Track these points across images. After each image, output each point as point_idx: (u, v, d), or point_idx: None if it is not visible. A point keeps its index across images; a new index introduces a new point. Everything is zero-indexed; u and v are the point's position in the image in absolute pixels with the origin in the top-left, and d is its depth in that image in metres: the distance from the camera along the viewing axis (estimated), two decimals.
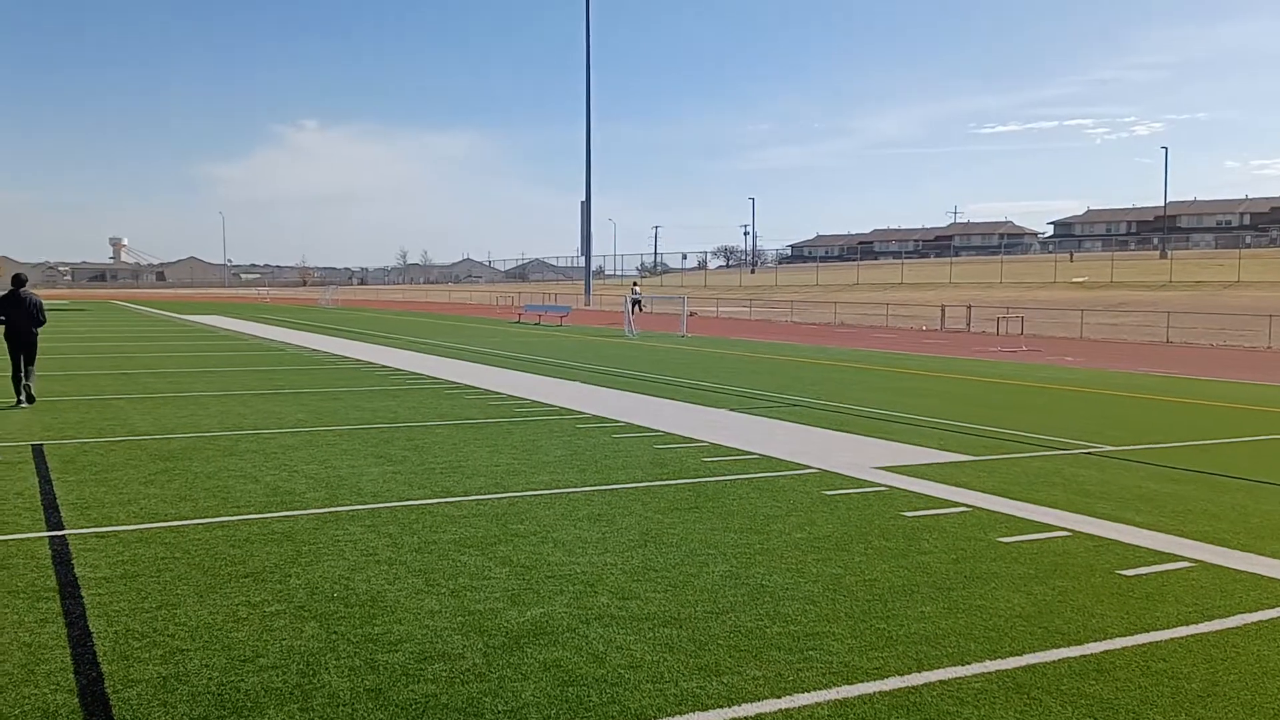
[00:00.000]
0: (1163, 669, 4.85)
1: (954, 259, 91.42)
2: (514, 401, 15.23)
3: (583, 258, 79.53)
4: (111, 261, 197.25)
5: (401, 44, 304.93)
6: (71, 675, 4.57)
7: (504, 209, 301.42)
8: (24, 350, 14.34)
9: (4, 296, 14.51)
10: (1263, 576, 6.41)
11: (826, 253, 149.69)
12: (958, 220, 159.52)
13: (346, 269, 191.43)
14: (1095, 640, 5.23)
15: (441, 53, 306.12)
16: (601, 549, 6.85)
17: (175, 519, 7.58)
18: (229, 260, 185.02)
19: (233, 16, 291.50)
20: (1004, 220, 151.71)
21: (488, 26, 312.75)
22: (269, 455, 10.35)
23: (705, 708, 4.35)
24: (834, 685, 4.59)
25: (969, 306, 43.35)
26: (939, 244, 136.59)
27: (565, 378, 19.23)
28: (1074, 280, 62.85)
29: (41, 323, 14.62)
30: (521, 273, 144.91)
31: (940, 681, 4.65)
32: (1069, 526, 7.67)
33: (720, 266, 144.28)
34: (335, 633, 5.18)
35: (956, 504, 8.39)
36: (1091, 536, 7.38)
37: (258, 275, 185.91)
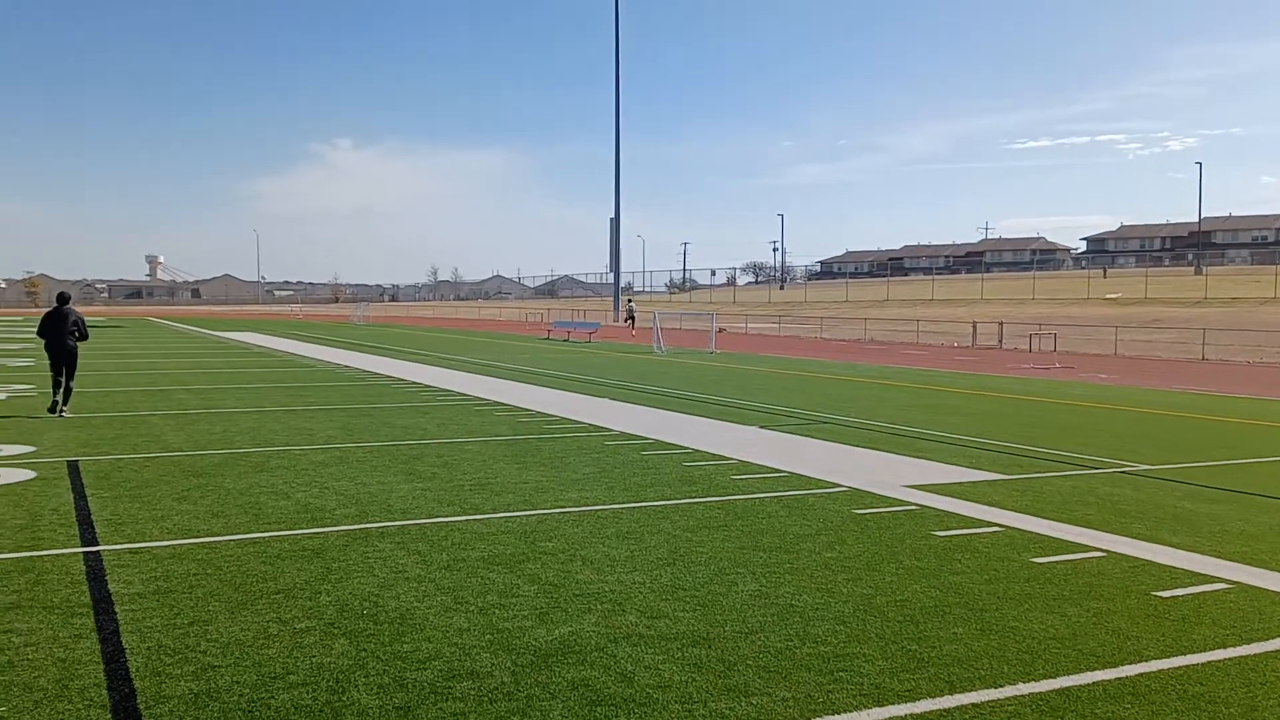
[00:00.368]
0: (1199, 692, 4.77)
1: (985, 275, 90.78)
2: (543, 418, 15.26)
3: (612, 274, 79.75)
4: (148, 279, 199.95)
5: (433, 63, 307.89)
6: (105, 691, 4.61)
7: (534, 226, 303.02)
8: (64, 362, 15.12)
9: (48, 313, 15.48)
10: None
11: (856, 269, 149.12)
12: (989, 236, 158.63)
13: (378, 286, 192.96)
14: (1130, 663, 5.15)
15: (472, 72, 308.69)
16: (630, 567, 6.84)
17: (207, 535, 7.65)
18: (263, 277, 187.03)
19: (271, 39, 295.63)
20: (1036, 236, 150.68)
21: (518, 46, 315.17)
22: (300, 472, 10.43)
23: None
24: (865, 707, 4.54)
25: (1001, 323, 43.02)
26: (970, 260, 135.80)
27: (594, 394, 19.25)
28: (1107, 297, 62.23)
29: (83, 337, 15.40)
30: (551, 289, 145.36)
31: (973, 704, 4.59)
32: (1103, 547, 7.57)
33: (749, 283, 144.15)
34: (365, 650, 5.20)
35: (989, 523, 8.31)
36: (1126, 557, 7.28)
37: (291, 292, 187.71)
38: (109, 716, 4.34)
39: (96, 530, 7.77)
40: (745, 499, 9.24)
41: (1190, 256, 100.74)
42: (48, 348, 15.20)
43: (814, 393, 20.17)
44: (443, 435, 13.33)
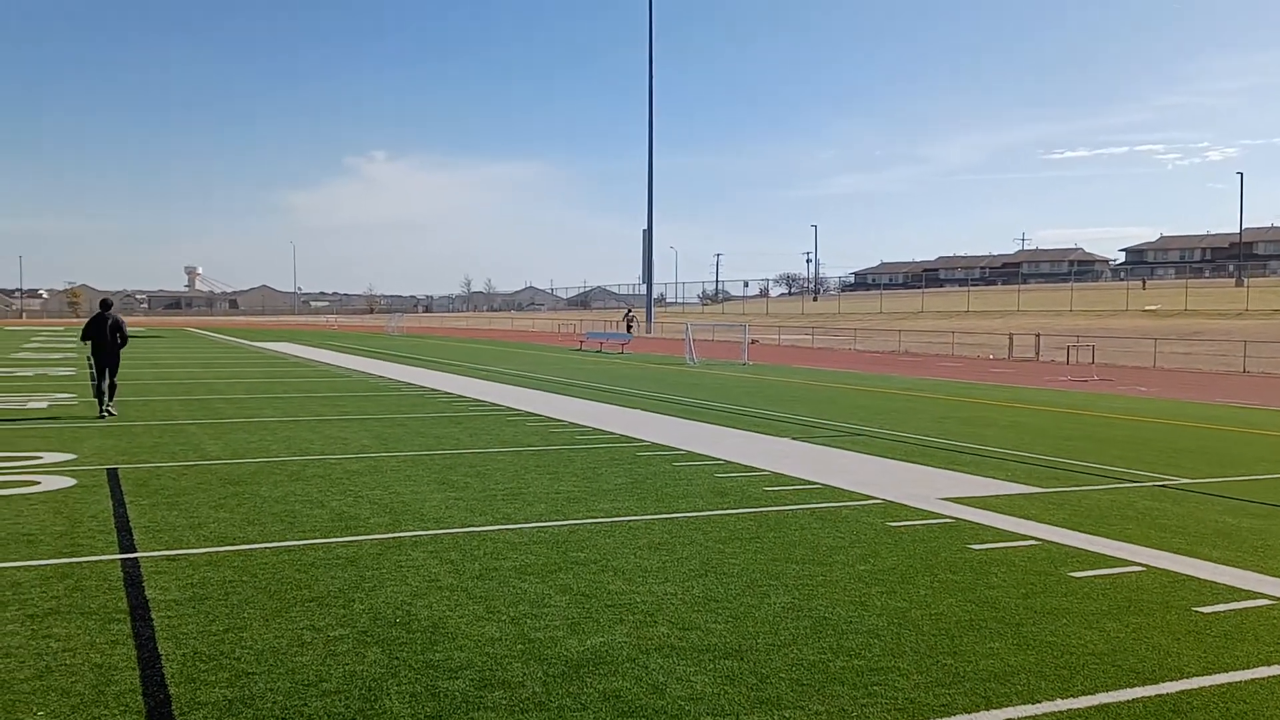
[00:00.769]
0: (1243, 710, 4.67)
1: (1022, 286, 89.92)
2: (575, 428, 15.28)
3: (644, 285, 79.82)
4: (186, 289, 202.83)
5: (467, 76, 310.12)
6: (140, 697, 4.65)
7: (566, 237, 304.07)
8: (107, 363, 16.46)
9: (92, 318, 16.84)
10: None
11: (890, 280, 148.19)
12: (1026, 247, 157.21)
13: (412, 297, 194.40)
14: (1171, 679, 5.06)
15: (506, 84, 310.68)
16: (662, 578, 6.82)
17: (243, 543, 7.71)
18: (299, 288, 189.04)
19: (307, 54, 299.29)
20: (1074, 247, 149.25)
21: (551, 58, 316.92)
22: (334, 481, 10.50)
23: None
24: None
25: (1038, 335, 42.60)
26: (1006, 271, 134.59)
27: (626, 405, 19.25)
28: (1147, 308, 61.45)
29: (123, 341, 16.69)
30: (583, 300, 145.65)
31: None
32: (1143, 561, 7.45)
33: (782, 294, 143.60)
34: (397, 659, 5.21)
35: (1025, 537, 8.20)
36: (1166, 572, 7.16)
37: (326, 303, 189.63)
38: None
39: (135, 537, 7.86)
40: (778, 511, 9.19)
41: (1231, 268, 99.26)
42: (93, 349, 16.63)
43: (847, 404, 20.05)
44: (475, 445, 13.38)
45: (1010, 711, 4.61)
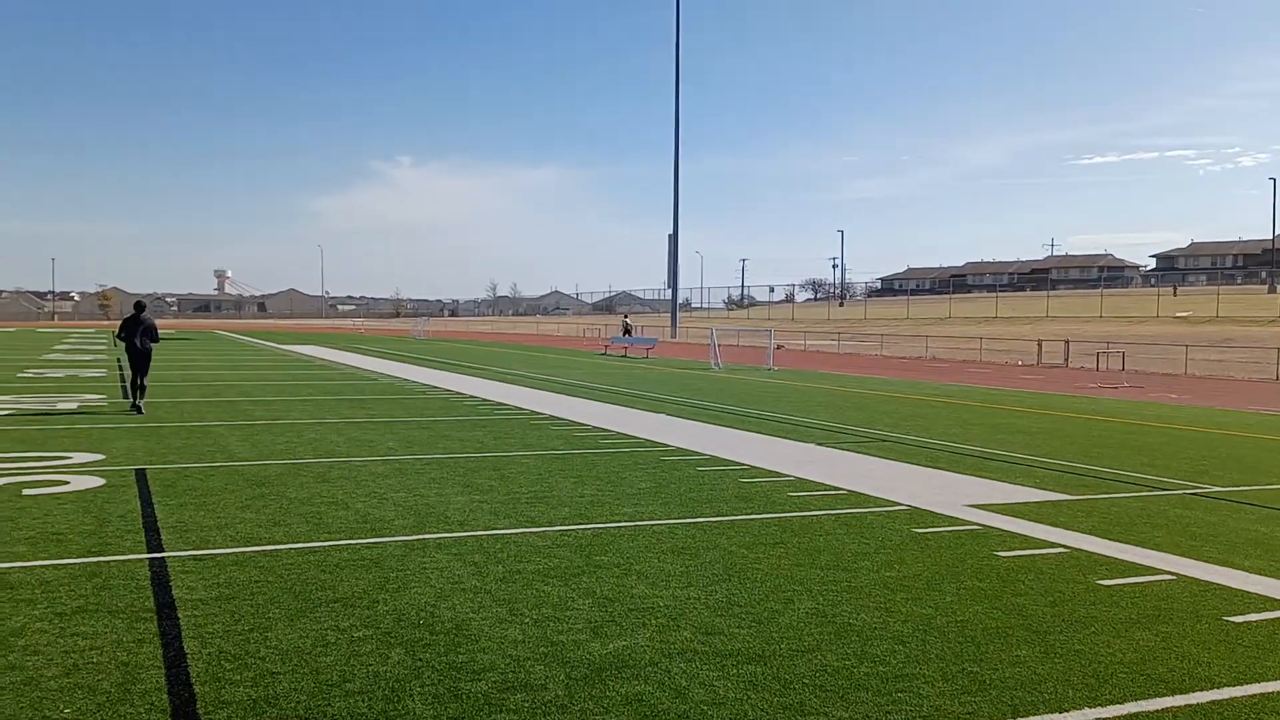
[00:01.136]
0: None
1: (1051, 292, 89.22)
2: (599, 433, 15.28)
3: (669, 290, 79.81)
4: (215, 293, 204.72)
5: (492, 81, 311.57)
6: (165, 696, 4.68)
7: (591, 242, 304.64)
8: (139, 362, 17.61)
9: (127, 318, 17.96)
10: None
11: (917, 285, 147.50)
12: (1055, 253, 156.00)
13: (438, 301, 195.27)
14: (1201, 689, 4.99)
15: (530, 89, 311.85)
16: (685, 582, 6.79)
17: (269, 543, 7.75)
18: (326, 292, 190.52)
19: (335, 59, 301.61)
20: (1103, 253, 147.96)
21: (576, 63, 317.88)
22: (360, 483, 10.54)
23: None
24: None
25: (1067, 341, 42.24)
26: (1035, 277, 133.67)
27: (650, 410, 19.23)
28: (1178, 315, 60.80)
29: (155, 341, 17.82)
30: (608, 305, 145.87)
31: None
32: (1173, 570, 7.35)
33: (808, 299, 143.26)
34: (420, 660, 5.22)
35: (1053, 544, 8.12)
36: (1197, 581, 7.06)
37: (353, 307, 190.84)
38: None
39: (162, 537, 7.92)
40: (802, 516, 9.14)
41: (1264, 275, 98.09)
42: (128, 348, 17.75)
43: (873, 410, 19.95)
44: (500, 449, 13.40)
45: None
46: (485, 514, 9.00)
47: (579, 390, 23.99)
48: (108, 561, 7.14)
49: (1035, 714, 4.63)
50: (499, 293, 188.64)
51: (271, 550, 7.53)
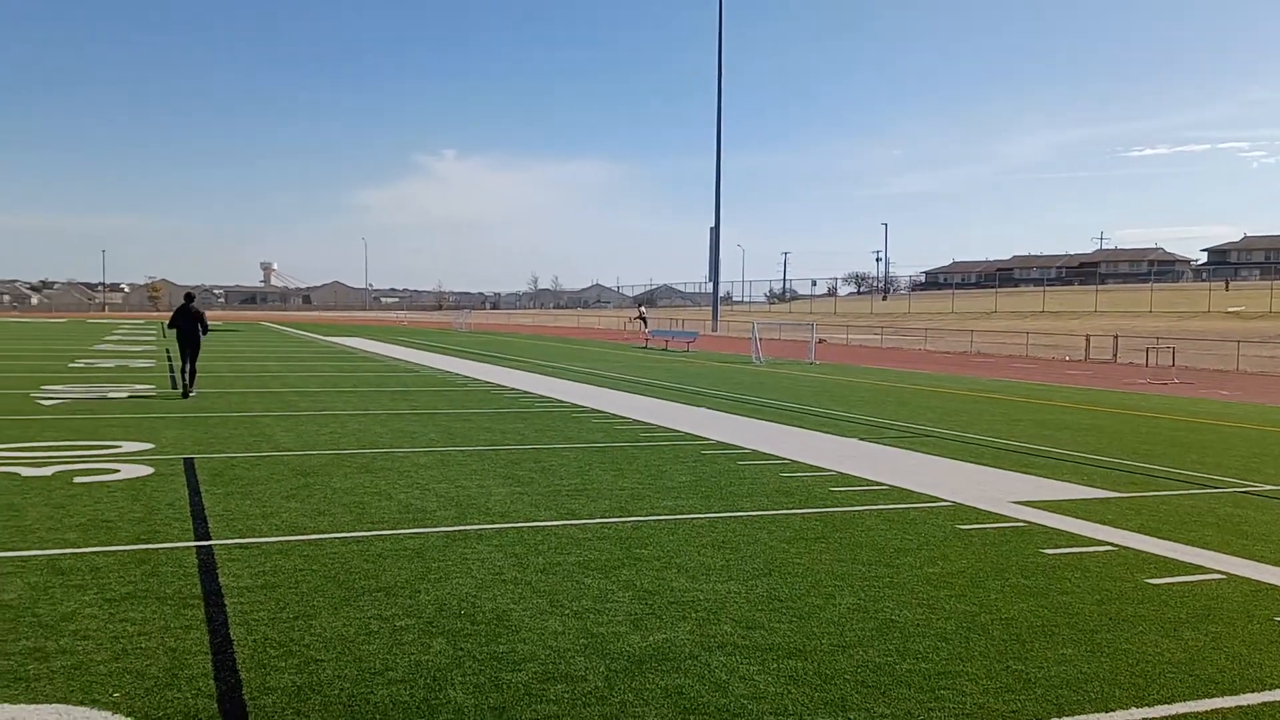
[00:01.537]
0: None
1: (1099, 287, 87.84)
2: (640, 426, 15.28)
3: (710, 284, 79.63)
4: (262, 285, 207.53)
5: (536, 76, 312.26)
6: (212, 681, 4.75)
7: (633, 235, 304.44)
8: (189, 350, 18.81)
9: (178, 308, 19.19)
10: None
11: (963, 279, 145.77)
12: (1104, 247, 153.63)
13: (480, 294, 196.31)
14: (1252, 690, 4.89)
15: (573, 83, 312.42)
16: (725, 576, 6.78)
17: (314, 532, 7.84)
18: (370, 284, 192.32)
19: (379, 54, 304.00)
20: (1154, 247, 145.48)
21: (620, 58, 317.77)
22: (403, 473, 10.63)
23: None
24: None
25: (1115, 336, 41.58)
26: (1083, 271, 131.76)
27: (691, 403, 19.21)
28: (1230, 310, 59.62)
29: (205, 330, 18.96)
30: (649, 298, 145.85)
31: None
32: (1224, 569, 7.21)
33: (851, 293, 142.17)
34: (461, 650, 5.25)
35: (1101, 542, 8.00)
36: (1249, 580, 6.93)
37: (397, 299, 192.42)
38: (215, 706, 4.47)
39: (209, 525, 8.04)
40: (844, 511, 9.08)
41: None
42: (178, 336, 18.96)
43: (917, 405, 19.77)
44: (541, 441, 13.45)
45: (1083, 719, 4.49)
46: (526, 506, 9.03)
47: (619, 384, 24.02)
48: (156, 549, 7.26)
49: (1080, 713, 4.57)
50: (540, 286, 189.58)
51: (316, 539, 7.62)
